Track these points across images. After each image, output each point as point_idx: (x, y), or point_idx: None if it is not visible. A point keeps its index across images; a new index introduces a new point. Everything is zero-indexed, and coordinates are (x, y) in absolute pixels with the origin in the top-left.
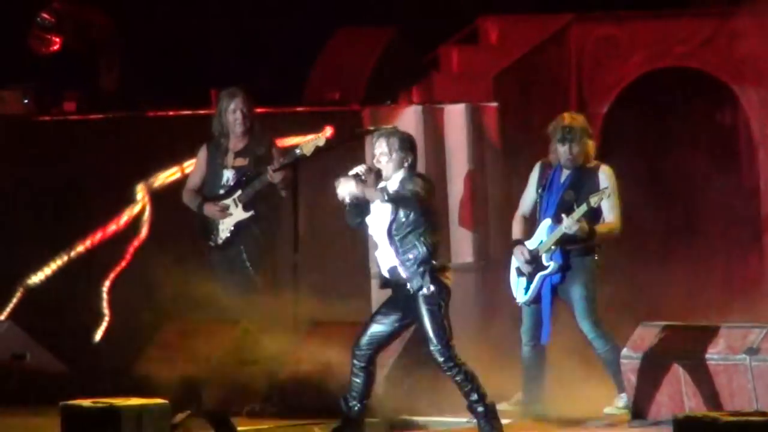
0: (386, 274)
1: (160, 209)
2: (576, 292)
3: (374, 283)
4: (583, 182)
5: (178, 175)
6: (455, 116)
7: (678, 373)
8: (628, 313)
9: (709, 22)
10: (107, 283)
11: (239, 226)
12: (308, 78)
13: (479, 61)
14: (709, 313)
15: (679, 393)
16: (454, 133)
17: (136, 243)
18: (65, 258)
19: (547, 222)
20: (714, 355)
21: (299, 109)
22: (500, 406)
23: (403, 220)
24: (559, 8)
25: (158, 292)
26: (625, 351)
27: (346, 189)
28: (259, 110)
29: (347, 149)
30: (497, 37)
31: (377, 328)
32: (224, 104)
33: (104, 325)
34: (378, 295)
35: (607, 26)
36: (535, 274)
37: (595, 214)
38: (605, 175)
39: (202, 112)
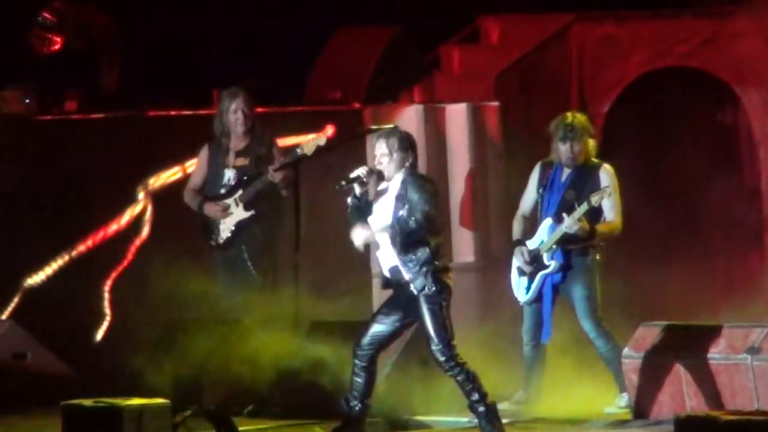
0: (387, 274)
1: (161, 209)
2: (577, 292)
3: (375, 283)
4: (583, 181)
5: (179, 174)
6: (456, 116)
7: (679, 372)
8: (628, 313)
9: (709, 21)
10: (108, 283)
11: (240, 225)
12: (309, 78)
13: (480, 60)
14: (710, 313)
15: (680, 392)
16: (455, 132)
17: (137, 243)
18: (66, 257)
19: (548, 221)
20: (715, 354)
21: (300, 108)
22: (501, 406)
23: (405, 223)
24: (560, 8)
25: (159, 292)
26: (626, 350)
27: (361, 237)
28: (260, 110)
29: (348, 149)
30: (498, 37)
31: (378, 328)
32: (225, 104)
33: (105, 324)
34: (379, 295)
35: (607, 26)
36: (536, 274)
37: (595, 214)
38: (606, 174)
39: (203, 111)
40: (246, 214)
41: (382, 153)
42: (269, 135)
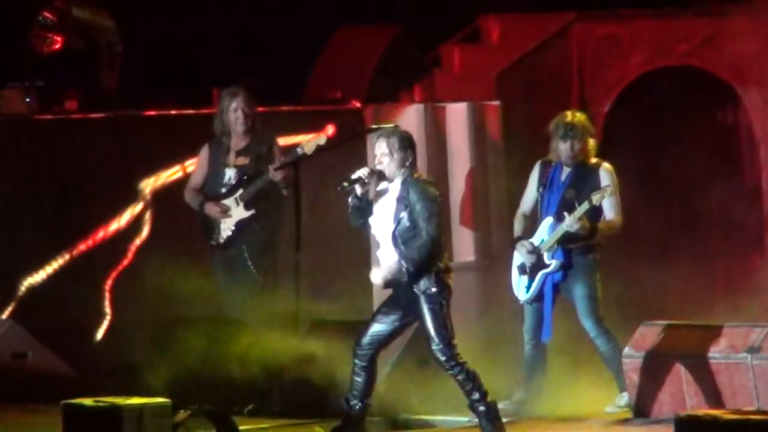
0: (387, 273)
1: (161, 208)
2: (578, 291)
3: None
4: (583, 180)
5: (179, 174)
6: (457, 115)
7: (679, 371)
8: (628, 313)
9: (710, 21)
10: (109, 282)
11: (241, 225)
12: (309, 77)
13: (481, 60)
14: (710, 313)
15: (680, 392)
16: (455, 132)
17: (137, 242)
18: (66, 257)
19: (548, 220)
20: (715, 353)
21: (301, 108)
22: (501, 405)
23: (408, 224)
24: (561, 7)
25: (159, 291)
26: (626, 350)
27: (380, 276)
28: (260, 109)
29: (349, 148)
30: (499, 36)
31: (378, 328)
32: (226, 103)
33: (105, 324)
34: (379, 294)
35: (608, 25)
36: (536, 273)
37: (596, 213)
38: (606, 173)
39: (203, 111)
40: (246, 214)
41: (382, 152)
42: (270, 134)
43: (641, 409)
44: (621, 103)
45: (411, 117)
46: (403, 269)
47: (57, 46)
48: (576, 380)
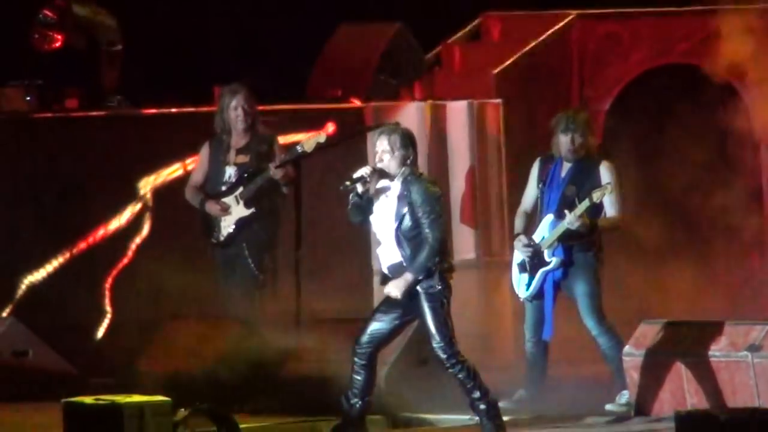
0: (387, 271)
1: (161, 206)
2: (579, 289)
3: (376, 280)
4: (584, 177)
5: (179, 172)
6: (457, 113)
7: (680, 370)
8: (627, 312)
9: (711, 19)
10: (109, 280)
11: (241, 223)
12: (310, 75)
13: (481, 58)
14: (712, 311)
15: (681, 390)
16: (456, 129)
17: (138, 240)
18: (67, 255)
19: (549, 218)
20: (716, 352)
21: (301, 106)
22: (502, 404)
23: (410, 223)
24: (561, 5)
25: (160, 289)
26: (627, 348)
27: (398, 289)
28: (261, 107)
29: (349, 146)
30: (499, 35)
31: (377, 326)
32: (226, 101)
33: (106, 322)
34: (380, 292)
35: (609, 23)
36: (537, 270)
37: (596, 209)
38: (607, 170)
39: (204, 109)
40: (247, 212)
41: (383, 150)
42: (270, 132)
43: (642, 408)
44: (621, 101)
45: (411, 115)
46: (409, 275)
47: (57, 45)
48: (576, 378)
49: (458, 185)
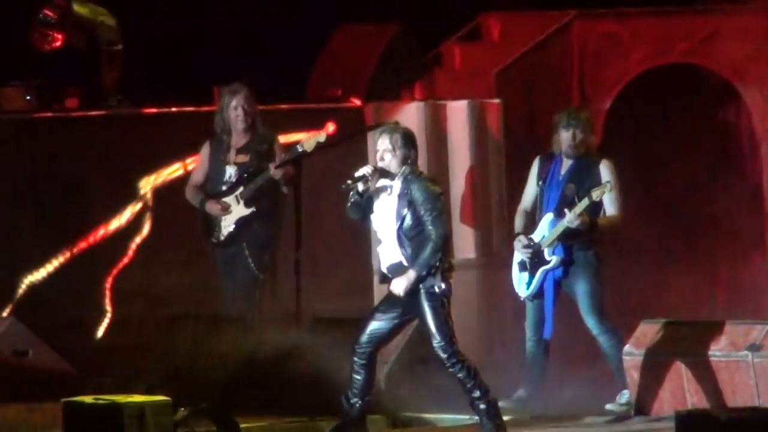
0: (386, 270)
1: (162, 206)
2: (580, 288)
3: (377, 279)
4: (583, 175)
5: (180, 171)
6: (457, 113)
7: (680, 369)
8: (629, 311)
9: (711, 18)
10: (109, 280)
11: (241, 222)
12: (310, 75)
13: (481, 57)
14: (713, 310)
15: (681, 389)
16: (456, 129)
17: (138, 240)
18: (67, 254)
19: (548, 216)
20: (716, 351)
21: (301, 106)
22: (502, 403)
23: (411, 222)
24: (561, 5)
25: (160, 289)
26: (627, 348)
27: (402, 288)
28: (261, 107)
29: (349, 146)
30: (499, 34)
31: (376, 325)
32: (226, 101)
33: (106, 321)
34: (380, 291)
35: (609, 23)
36: (537, 269)
37: (595, 208)
38: (607, 168)
39: (204, 108)
40: (247, 211)
41: (385, 149)
42: (270, 132)
43: (642, 407)
44: (622, 100)
45: (411, 115)
46: (412, 273)
47: (57, 44)
48: (576, 378)
49: (458, 185)
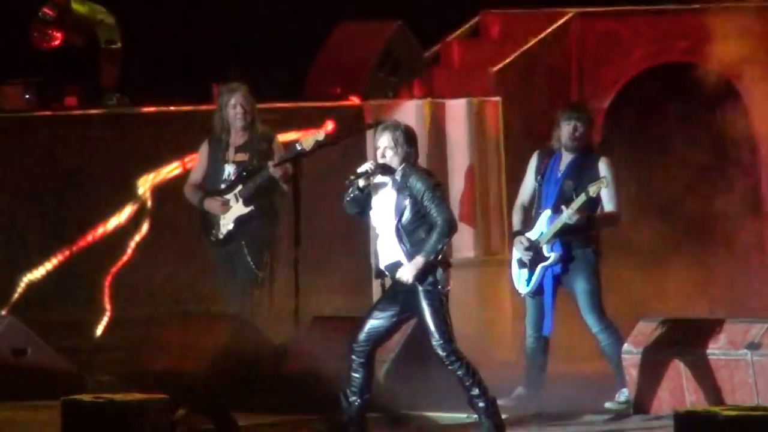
0: (384, 268)
1: (161, 204)
2: (579, 285)
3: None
4: (582, 172)
5: (179, 170)
6: (456, 111)
7: (679, 368)
8: (626, 310)
9: (710, 17)
10: (108, 278)
11: (240, 221)
12: (309, 73)
13: (480, 55)
14: (712, 309)
15: (680, 388)
16: (455, 127)
17: (137, 238)
18: (66, 253)
19: (546, 213)
20: (715, 350)
21: (300, 104)
22: (501, 401)
23: (410, 216)
24: (561, 3)
25: (159, 287)
26: (626, 346)
27: (408, 276)
28: (260, 105)
29: (348, 144)
30: (498, 32)
31: (375, 324)
32: (224, 99)
33: (105, 319)
34: (379, 289)
35: (608, 21)
36: (536, 266)
37: (593, 204)
38: (604, 165)
39: (203, 107)
40: (246, 210)
41: (386, 146)
42: (269, 130)
43: (641, 406)
44: (621, 99)
45: (410, 113)
46: (406, 260)
47: (57, 43)
48: (575, 376)
49: (457, 183)
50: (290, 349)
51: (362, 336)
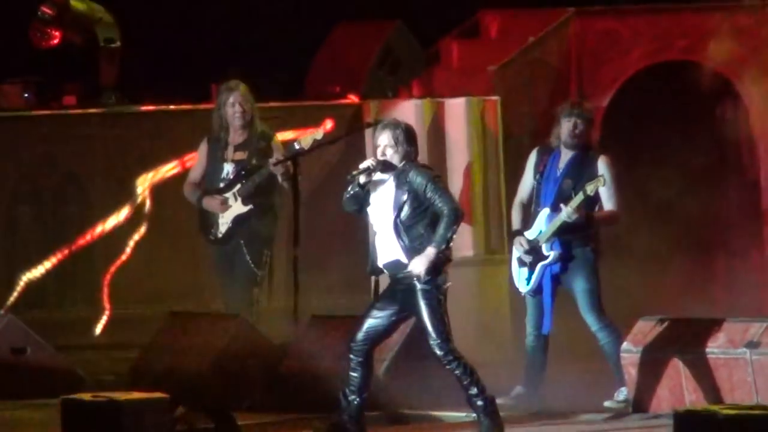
0: (382, 265)
1: (160, 203)
2: (578, 285)
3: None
4: (581, 170)
5: (178, 168)
6: (455, 110)
7: (678, 366)
8: (626, 308)
9: (710, 16)
10: (107, 277)
11: (238, 219)
12: (308, 72)
13: (480, 54)
14: (711, 307)
15: (679, 387)
16: (454, 126)
17: (135, 236)
18: (65, 251)
19: (545, 211)
20: (714, 348)
21: (299, 102)
22: (500, 400)
23: (409, 211)
24: (560, 2)
25: (158, 286)
26: (625, 345)
27: (421, 267)
28: (259, 104)
29: (348, 143)
30: (497, 31)
31: (373, 323)
32: (223, 98)
33: (104, 318)
34: (383, 285)
35: (607, 20)
36: (536, 264)
37: (591, 203)
38: (604, 164)
39: (202, 106)
40: (244, 209)
41: (386, 144)
42: (268, 129)
43: (640, 405)
44: (620, 97)
45: (409, 112)
46: (405, 256)
47: (56, 41)
48: (574, 375)
49: (456, 182)
50: (289, 348)
51: (360, 335)
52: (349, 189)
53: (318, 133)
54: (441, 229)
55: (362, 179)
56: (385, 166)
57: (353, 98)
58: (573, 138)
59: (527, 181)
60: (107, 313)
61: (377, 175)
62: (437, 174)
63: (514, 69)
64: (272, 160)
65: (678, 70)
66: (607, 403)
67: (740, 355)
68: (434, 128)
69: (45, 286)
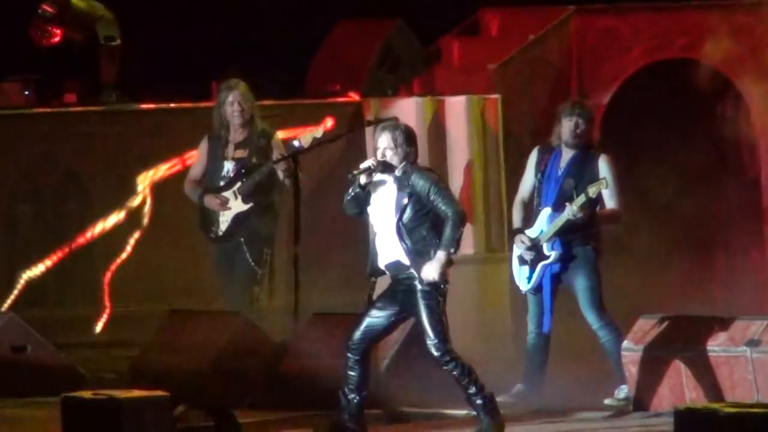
0: (384, 267)
1: (160, 201)
2: (580, 283)
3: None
4: (582, 170)
5: (178, 167)
6: (456, 108)
7: (679, 365)
8: (626, 307)
9: (710, 14)
10: (108, 275)
11: (239, 217)
12: (309, 70)
13: (480, 53)
14: (710, 306)
15: (680, 385)
16: (454, 125)
17: (136, 234)
18: (65, 249)
19: (546, 211)
20: (715, 347)
21: (300, 101)
22: (500, 398)
23: (411, 213)
24: (560, 0)
25: (158, 284)
26: (625, 343)
27: (434, 273)
28: (259, 102)
29: (348, 141)
30: (498, 29)
31: (371, 322)
32: (223, 96)
33: (104, 316)
34: (379, 288)
35: (608, 18)
36: (536, 263)
37: (593, 203)
38: (605, 164)
39: (202, 104)
40: (245, 207)
41: (386, 146)
42: (268, 127)
43: (640, 403)
44: (620, 95)
45: (410, 110)
46: (407, 258)
47: (56, 39)
48: (575, 373)
49: (457, 180)
50: (290, 346)
51: (358, 334)
52: (350, 190)
53: (317, 131)
54: (447, 232)
55: (363, 179)
56: (386, 167)
57: (353, 96)
58: (574, 137)
59: (528, 179)
60: (107, 311)
61: (378, 176)
62: (439, 176)
63: (515, 67)
64: (272, 159)
65: (678, 68)
66: (607, 401)
67: (741, 353)
68: (435, 126)
69: (45, 285)
